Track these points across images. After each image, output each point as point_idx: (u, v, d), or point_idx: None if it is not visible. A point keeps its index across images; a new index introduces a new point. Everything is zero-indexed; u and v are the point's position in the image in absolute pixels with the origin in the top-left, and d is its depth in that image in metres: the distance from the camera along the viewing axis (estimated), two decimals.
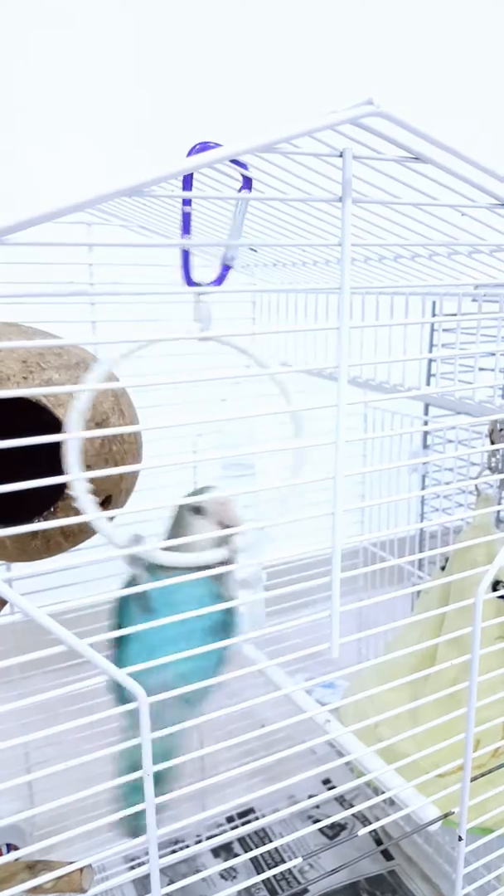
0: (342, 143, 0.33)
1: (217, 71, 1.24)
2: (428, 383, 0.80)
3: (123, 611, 0.51)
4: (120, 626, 0.48)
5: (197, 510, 0.51)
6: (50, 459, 0.47)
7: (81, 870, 0.34)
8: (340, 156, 0.32)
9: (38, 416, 0.52)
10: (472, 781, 0.52)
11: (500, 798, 0.56)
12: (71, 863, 0.34)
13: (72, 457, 0.43)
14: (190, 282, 0.45)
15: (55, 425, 0.51)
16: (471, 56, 1.51)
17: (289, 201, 0.38)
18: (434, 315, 0.75)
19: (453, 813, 0.49)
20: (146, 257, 0.67)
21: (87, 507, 0.42)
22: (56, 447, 0.53)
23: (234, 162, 0.42)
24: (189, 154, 0.40)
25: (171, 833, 0.86)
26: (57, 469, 0.52)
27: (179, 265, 0.48)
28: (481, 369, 0.54)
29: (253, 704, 0.41)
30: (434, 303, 0.74)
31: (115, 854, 0.79)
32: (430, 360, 0.88)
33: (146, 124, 1.21)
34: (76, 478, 0.44)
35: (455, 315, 0.51)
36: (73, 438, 0.44)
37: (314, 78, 1.33)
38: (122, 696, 0.34)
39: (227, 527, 0.49)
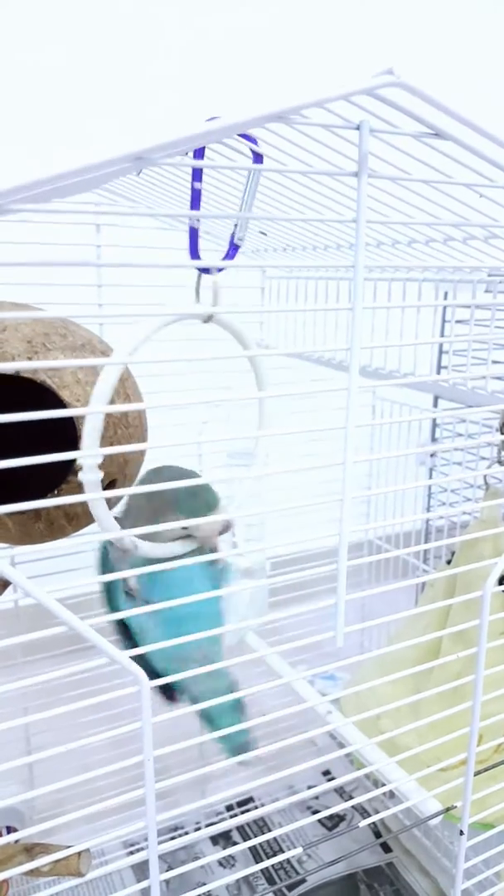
0: (357, 118, 0.32)
1: (231, 47, 1.23)
2: (437, 376, 0.79)
3: (115, 600, 0.51)
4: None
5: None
6: (54, 443, 0.46)
7: (79, 854, 0.33)
8: (357, 129, 0.31)
9: (43, 401, 0.51)
10: (475, 776, 0.52)
11: (502, 794, 0.55)
12: (69, 846, 0.34)
13: (88, 429, 0.42)
14: (197, 258, 0.44)
15: (60, 408, 0.50)
16: (489, 31, 1.49)
17: (304, 173, 0.37)
18: (444, 311, 0.74)
19: (455, 807, 0.49)
20: (153, 240, 0.66)
21: (91, 486, 0.41)
22: (60, 431, 0.52)
23: (246, 138, 0.41)
24: None
25: (171, 820, 0.85)
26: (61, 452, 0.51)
27: (184, 247, 0.47)
28: (494, 362, 0.54)
29: (255, 692, 0.40)
30: (446, 293, 0.73)
31: (114, 839, 0.79)
32: (441, 353, 0.87)
33: (157, 103, 1.20)
34: (84, 454, 0.43)
35: (469, 303, 0.50)
36: (92, 415, 0.43)
37: (329, 54, 1.32)
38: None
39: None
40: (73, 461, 0.52)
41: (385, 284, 0.60)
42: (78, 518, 0.54)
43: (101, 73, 1.17)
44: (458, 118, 0.30)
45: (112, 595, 0.53)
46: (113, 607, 0.53)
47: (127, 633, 0.54)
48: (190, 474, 0.50)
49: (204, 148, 0.42)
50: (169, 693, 0.54)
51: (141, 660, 0.47)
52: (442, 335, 0.81)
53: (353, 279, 0.33)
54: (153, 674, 0.50)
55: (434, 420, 0.88)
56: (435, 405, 0.88)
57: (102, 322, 0.69)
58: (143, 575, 0.44)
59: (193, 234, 0.41)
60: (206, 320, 0.45)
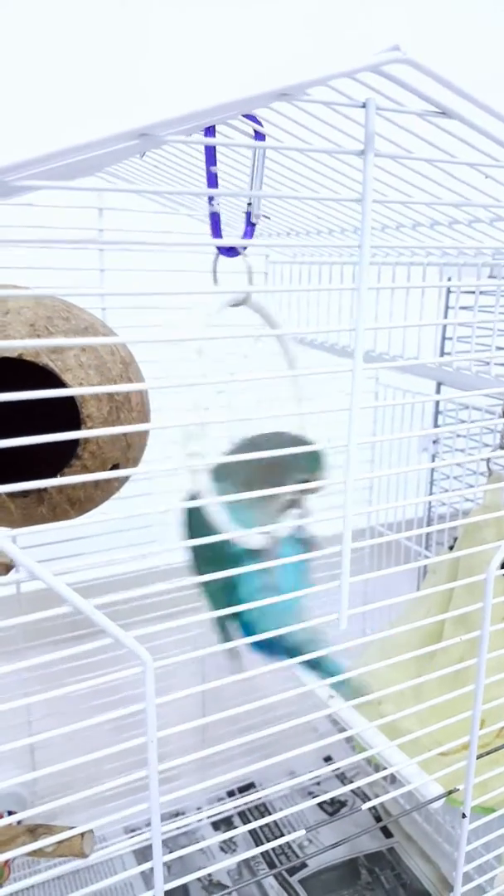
0: (362, 98, 0.32)
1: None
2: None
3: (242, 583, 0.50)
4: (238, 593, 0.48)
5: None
6: (57, 429, 0.46)
7: (82, 834, 0.33)
8: (363, 107, 0.30)
9: (46, 386, 0.51)
10: (477, 759, 0.52)
11: (503, 778, 0.56)
12: (72, 827, 0.34)
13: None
14: (220, 246, 0.43)
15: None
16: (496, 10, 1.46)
17: (310, 151, 0.36)
18: (451, 290, 0.74)
19: (457, 790, 0.49)
20: (155, 224, 0.66)
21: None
22: (63, 416, 0.52)
23: (250, 119, 0.41)
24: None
25: (172, 805, 0.86)
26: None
27: (191, 233, 0.47)
28: (499, 348, 0.53)
29: (255, 675, 0.40)
30: (450, 278, 0.72)
31: (116, 823, 0.79)
32: (445, 339, 0.86)
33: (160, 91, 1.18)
34: (87, 434, 0.43)
35: (474, 286, 0.50)
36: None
37: (336, 35, 1.31)
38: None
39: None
40: (76, 445, 0.51)
41: (389, 269, 0.60)
42: (81, 502, 0.54)
43: (102, 57, 1.15)
44: (465, 96, 0.29)
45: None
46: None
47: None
48: (298, 439, 0.49)
49: (214, 128, 0.42)
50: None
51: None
52: (444, 332, 0.80)
53: (357, 262, 0.32)
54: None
55: (437, 407, 0.88)
56: (437, 391, 0.87)
57: (105, 307, 0.69)
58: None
59: (215, 218, 0.41)
60: (239, 304, 0.45)
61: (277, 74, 0.29)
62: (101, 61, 1.16)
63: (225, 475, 0.50)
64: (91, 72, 1.16)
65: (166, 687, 0.45)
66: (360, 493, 0.91)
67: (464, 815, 0.47)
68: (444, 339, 0.85)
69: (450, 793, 0.50)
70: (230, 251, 0.44)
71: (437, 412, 0.89)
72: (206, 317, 0.41)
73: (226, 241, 0.40)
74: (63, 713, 0.57)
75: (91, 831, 0.34)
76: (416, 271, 0.58)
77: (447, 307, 0.83)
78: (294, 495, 0.47)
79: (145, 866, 0.36)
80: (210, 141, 0.31)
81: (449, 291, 0.78)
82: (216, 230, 0.43)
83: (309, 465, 0.47)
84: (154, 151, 0.54)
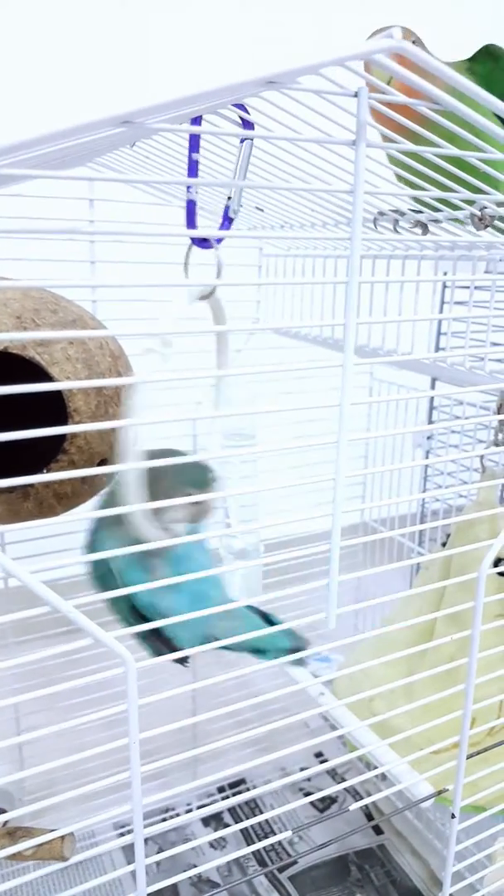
0: (354, 87, 0.31)
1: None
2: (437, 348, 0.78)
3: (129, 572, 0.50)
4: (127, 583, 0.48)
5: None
6: (44, 423, 0.45)
7: (63, 837, 0.33)
8: (355, 96, 0.30)
9: (33, 380, 0.50)
10: (467, 759, 0.52)
11: (494, 777, 0.55)
12: (52, 830, 0.34)
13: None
14: (193, 237, 0.43)
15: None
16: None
17: (300, 140, 0.36)
18: (446, 285, 0.73)
19: (447, 790, 0.49)
20: (147, 216, 0.65)
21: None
22: (50, 409, 0.52)
23: (239, 107, 0.40)
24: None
25: (162, 801, 0.85)
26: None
27: (183, 225, 0.46)
28: (494, 344, 0.53)
29: (247, 673, 0.40)
30: (446, 273, 0.71)
31: (104, 821, 0.79)
32: (439, 335, 0.86)
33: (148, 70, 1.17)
34: (74, 429, 0.42)
35: (468, 280, 0.49)
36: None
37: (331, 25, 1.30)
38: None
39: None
40: (63, 440, 0.51)
41: (384, 262, 0.59)
42: (68, 497, 0.53)
43: (101, 51, 1.14)
44: (458, 84, 0.28)
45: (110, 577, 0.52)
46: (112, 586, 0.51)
47: (135, 614, 0.53)
48: (179, 453, 0.49)
49: (201, 117, 0.41)
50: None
51: (158, 635, 0.49)
52: (439, 327, 0.80)
53: (349, 255, 0.32)
54: (169, 645, 0.50)
55: (431, 403, 0.87)
56: (432, 387, 0.87)
57: (95, 300, 0.68)
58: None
59: (191, 206, 0.40)
60: (205, 297, 0.44)
61: (271, 62, 0.28)
62: (101, 55, 1.15)
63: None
64: (90, 66, 1.14)
65: (158, 682, 0.45)
66: (354, 488, 0.91)
67: (453, 816, 0.47)
68: (439, 333, 0.85)
69: (439, 793, 0.50)
70: (203, 242, 0.43)
71: (431, 408, 0.88)
72: (178, 310, 0.40)
73: (215, 233, 0.39)
74: (52, 709, 0.56)
75: (72, 834, 0.33)
76: (412, 265, 0.57)
77: (443, 301, 0.82)
78: (186, 510, 0.47)
79: (128, 868, 0.36)
80: (196, 129, 0.30)
81: (445, 286, 0.77)
82: (191, 219, 0.42)
83: (195, 481, 0.47)
84: (145, 142, 0.53)
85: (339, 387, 0.35)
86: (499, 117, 0.35)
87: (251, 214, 0.65)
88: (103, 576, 0.52)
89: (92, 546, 0.50)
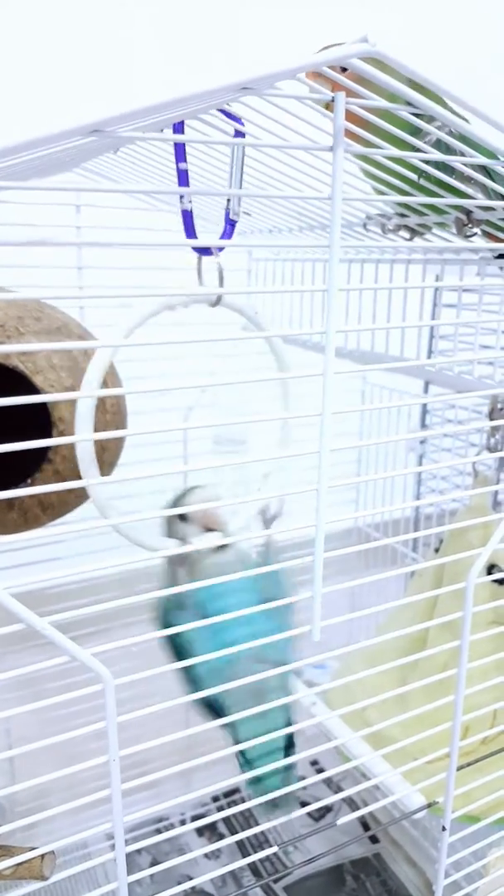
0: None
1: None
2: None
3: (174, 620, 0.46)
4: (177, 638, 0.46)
5: (181, 517, 0.48)
6: (27, 430, 0.45)
7: (43, 856, 0.32)
8: (332, 100, 0.29)
9: (16, 388, 0.49)
10: (460, 770, 0.51)
11: (489, 787, 0.55)
12: (32, 848, 0.33)
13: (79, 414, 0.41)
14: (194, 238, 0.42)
15: (33, 394, 0.48)
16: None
17: (277, 147, 0.35)
18: (437, 296, 0.73)
19: (437, 803, 0.48)
20: (135, 221, 0.64)
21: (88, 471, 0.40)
22: (33, 417, 0.51)
23: (228, 116, 0.39)
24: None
25: (155, 812, 0.85)
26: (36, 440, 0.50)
27: (171, 230, 0.46)
28: (483, 346, 0.52)
29: (242, 684, 0.39)
30: (437, 276, 0.71)
31: (96, 832, 0.78)
32: (431, 338, 0.85)
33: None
34: (59, 442, 0.42)
35: (456, 286, 0.48)
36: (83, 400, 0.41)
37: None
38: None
39: (212, 529, 0.47)
40: (48, 448, 0.50)
41: (372, 267, 0.58)
42: (53, 507, 0.53)
43: (74, 58, 1.13)
44: (436, 88, 0.28)
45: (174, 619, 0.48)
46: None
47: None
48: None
49: (182, 123, 0.41)
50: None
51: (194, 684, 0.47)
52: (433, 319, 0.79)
53: (329, 262, 0.31)
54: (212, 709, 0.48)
55: (424, 406, 0.86)
56: (425, 391, 0.86)
57: (83, 306, 0.67)
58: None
59: (188, 217, 0.40)
60: (215, 304, 0.44)
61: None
62: (90, 59, 1.14)
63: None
64: (68, 70, 1.13)
65: (151, 692, 0.44)
66: (346, 493, 0.90)
67: (444, 828, 0.46)
68: (431, 337, 0.84)
69: (429, 805, 0.49)
70: (203, 249, 0.43)
71: (424, 410, 0.88)
72: (138, 316, 0.40)
73: (217, 243, 0.39)
74: (43, 720, 0.56)
75: (52, 853, 0.32)
76: (400, 268, 0.56)
77: (435, 304, 0.81)
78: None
79: (110, 887, 0.35)
80: (169, 137, 0.30)
81: (437, 288, 0.76)
82: (189, 229, 0.42)
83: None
84: (131, 147, 0.53)
85: (361, 370, 0.34)
86: None
87: (240, 220, 0.65)
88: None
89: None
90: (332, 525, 0.36)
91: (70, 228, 0.66)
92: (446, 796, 0.46)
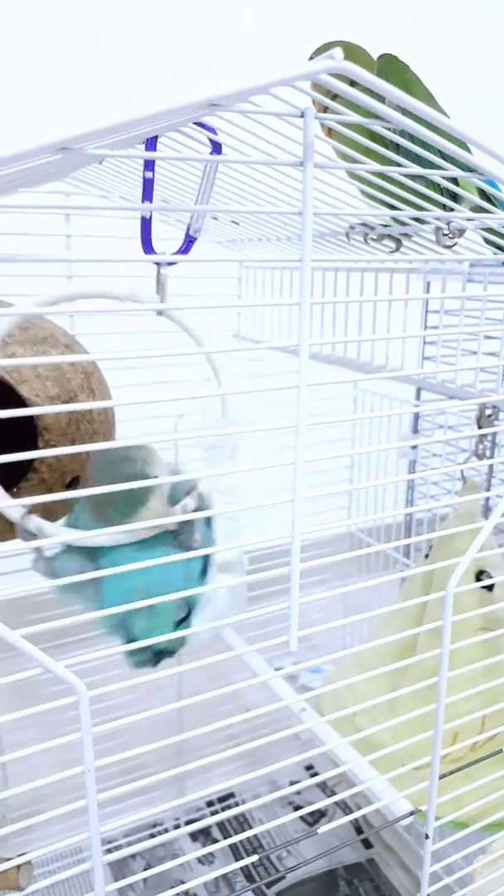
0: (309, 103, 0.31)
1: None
2: (422, 367, 0.78)
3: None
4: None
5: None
6: (12, 438, 0.45)
7: (19, 867, 0.32)
8: (301, 116, 0.29)
9: (2, 396, 0.50)
10: (447, 776, 0.51)
11: (477, 793, 0.55)
12: (8, 859, 0.33)
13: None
14: (149, 251, 0.43)
15: (19, 405, 0.49)
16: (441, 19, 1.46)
17: (247, 163, 0.35)
18: (428, 302, 0.73)
19: (420, 811, 0.48)
20: (125, 228, 0.64)
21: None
22: (20, 428, 0.51)
23: (203, 126, 0.40)
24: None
25: (149, 817, 0.85)
26: (21, 450, 0.50)
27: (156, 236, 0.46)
28: (473, 352, 0.52)
29: (235, 688, 0.39)
30: (427, 283, 0.71)
31: (85, 839, 0.78)
32: (425, 344, 0.85)
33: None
34: (45, 454, 0.41)
35: (438, 296, 0.48)
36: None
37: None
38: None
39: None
40: (33, 459, 0.50)
41: (357, 275, 0.58)
42: (39, 515, 0.53)
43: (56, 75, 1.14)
44: (401, 101, 0.28)
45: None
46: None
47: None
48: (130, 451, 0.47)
49: (156, 138, 0.41)
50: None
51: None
52: (425, 326, 0.79)
53: (301, 276, 0.31)
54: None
55: (417, 414, 0.87)
56: (417, 396, 0.86)
57: (73, 314, 0.67)
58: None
59: (145, 226, 0.40)
60: (159, 313, 0.44)
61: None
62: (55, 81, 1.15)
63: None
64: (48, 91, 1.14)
65: (143, 697, 0.44)
66: (339, 498, 0.90)
67: (427, 836, 0.46)
68: (424, 344, 0.84)
69: (412, 814, 0.49)
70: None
71: (416, 415, 0.88)
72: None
73: (168, 258, 0.39)
74: (36, 725, 0.56)
75: (29, 863, 0.33)
76: (385, 277, 0.56)
77: (426, 311, 0.81)
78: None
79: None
80: (137, 154, 0.30)
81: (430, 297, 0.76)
82: (146, 241, 0.42)
83: (140, 466, 0.46)
84: (114, 159, 0.53)
85: (323, 398, 0.34)
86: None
87: (228, 228, 0.65)
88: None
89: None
90: (321, 532, 0.37)
91: (60, 237, 0.67)
92: (429, 805, 0.46)
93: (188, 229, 0.41)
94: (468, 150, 0.33)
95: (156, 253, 0.41)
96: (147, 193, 0.39)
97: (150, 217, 0.40)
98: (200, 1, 1.20)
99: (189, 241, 0.42)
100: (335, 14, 1.31)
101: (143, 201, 0.39)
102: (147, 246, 0.41)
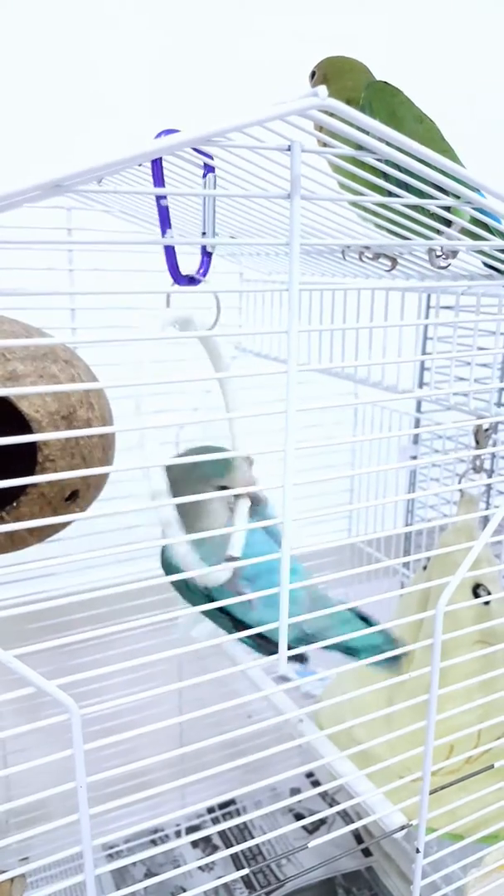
0: (298, 136, 0.31)
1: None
2: (420, 383, 0.78)
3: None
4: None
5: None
6: (12, 453, 0.46)
7: (12, 880, 0.33)
8: (288, 150, 0.30)
9: (1, 412, 0.51)
10: (441, 790, 0.52)
11: (472, 806, 0.55)
12: (3, 871, 0.34)
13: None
14: (178, 276, 0.43)
15: (19, 418, 0.50)
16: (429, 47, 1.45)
17: (234, 196, 0.36)
18: (427, 314, 0.73)
19: (412, 825, 0.48)
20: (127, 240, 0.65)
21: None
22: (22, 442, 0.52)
23: (198, 151, 0.40)
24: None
25: (150, 823, 0.86)
26: (20, 462, 0.51)
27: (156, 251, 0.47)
28: (458, 363, 0.52)
29: (236, 700, 0.40)
30: (429, 296, 0.71)
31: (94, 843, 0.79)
32: (424, 352, 0.85)
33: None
34: (46, 479, 0.42)
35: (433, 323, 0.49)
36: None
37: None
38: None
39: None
40: (33, 468, 0.51)
41: (368, 293, 0.59)
42: (41, 529, 0.54)
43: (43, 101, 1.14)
44: (383, 135, 0.29)
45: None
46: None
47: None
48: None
49: (161, 160, 0.42)
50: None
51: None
52: (424, 341, 0.80)
53: (290, 302, 0.32)
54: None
55: (417, 418, 0.87)
56: (418, 409, 0.87)
57: (75, 327, 0.69)
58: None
59: (170, 254, 0.41)
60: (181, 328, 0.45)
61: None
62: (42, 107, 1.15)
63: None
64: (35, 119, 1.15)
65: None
66: (339, 498, 0.91)
67: (417, 850, 0.47)
68: (423, 351, 0.84)
69: (403, 828, 0.50)
70: (191, 281, 0.44)
71: (417, 424, 0.88)
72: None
73: (187, 290, 0.40)
74: (40, 730, 0.57)
75: (22, 876, 0.33)
76: (394, 297, 0.57)
77: (426, 327, 0.82)
78: (222, 504, 0.47)
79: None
80: (127, 190, 0.31)
81: (429, 308, 0.77)
82: (172, 266, 0.42)
83: (217, 470, 0.47)
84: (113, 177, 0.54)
85: (343, 421, 0.35)
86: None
87: (228, 243, 0.66)
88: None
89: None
90: (322, 543, 0.38)
91: (63, 251, 0.68)
92: (420, 819, 0.46)
93: (203, 246, 0.42)
94: (454, 178, 0.34)
95: (183, 277, 0.42)
96: (165, 221, 0.40)
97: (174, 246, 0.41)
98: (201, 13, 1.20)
99: (207, 257, 0.42)
100: (335, 19, 1.31)
101: (162, 230, 0.40)
102: (176, 274, 0.41)
